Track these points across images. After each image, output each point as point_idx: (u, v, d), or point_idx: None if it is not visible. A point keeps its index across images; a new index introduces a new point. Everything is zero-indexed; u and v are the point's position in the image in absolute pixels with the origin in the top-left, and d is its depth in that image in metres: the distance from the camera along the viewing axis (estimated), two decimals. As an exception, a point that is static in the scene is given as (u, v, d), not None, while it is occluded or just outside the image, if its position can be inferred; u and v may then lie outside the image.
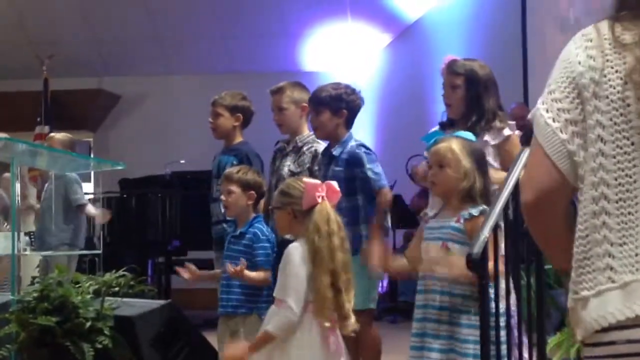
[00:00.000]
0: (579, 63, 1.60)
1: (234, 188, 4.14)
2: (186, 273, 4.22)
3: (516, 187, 3.24)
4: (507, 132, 4.05)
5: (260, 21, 10.75)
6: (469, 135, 3.58)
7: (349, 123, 4.61)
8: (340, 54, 11.24)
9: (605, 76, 1.57)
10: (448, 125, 4.12)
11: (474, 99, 4.07)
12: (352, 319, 3.40)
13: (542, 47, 8.50)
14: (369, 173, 4.41)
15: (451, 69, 4.14)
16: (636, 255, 1.50)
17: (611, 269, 1.50)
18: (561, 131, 1.60)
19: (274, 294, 3.42)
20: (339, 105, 4.53)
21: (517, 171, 3.28)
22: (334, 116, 4.53)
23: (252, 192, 4.16)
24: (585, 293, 1.53)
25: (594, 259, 1.53)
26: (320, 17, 10.79)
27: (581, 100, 1.59)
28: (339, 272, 3.36)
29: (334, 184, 3.54)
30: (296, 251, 3.37)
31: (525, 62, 8.76)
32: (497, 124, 4.06)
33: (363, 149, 4.49)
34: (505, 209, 3.15)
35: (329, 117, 4.53)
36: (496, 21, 9.25)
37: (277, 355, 3.34)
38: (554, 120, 1.61)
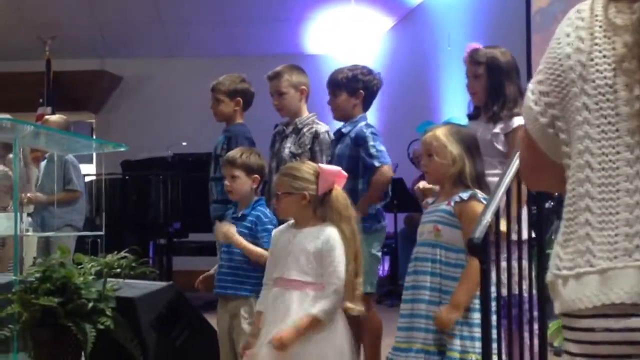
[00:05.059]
0: (568, 44, 1.61)
1: (238, 173, 4.14)
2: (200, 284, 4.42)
3: (518, 172, 3.25)
4: (516, 122, 3.89)
5: (263, 4, 10.70)
6: (460, 120, 3.64)
7: (366, 104, 4.63)
8: (343, 37, 11.21)
9: (592, 60, 1.57)
10: (474, 117, 4.09)
11: (496, 86, 3.99)
12: (361, 305, 3.43)
13: (547, 30, 8.47)
14: (372, 150, 4.43)
15: (473, 58, 4.08)
16: (615, 242, 1.51)
17: (591, 253, 1.52)
18: (542, 114, 1.64)
19: (310, 279, 3.37)
20: (355, 85, 4.57)
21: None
22: (351, 97, 4.57)
23: (257, 175, 4.18)
24: (565, 272, 1.55)
25: (575, 241, 1.55)
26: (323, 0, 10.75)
27: (565, 82, 1.61)
28: (358, 256, 3.41)
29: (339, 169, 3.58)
30: (337, 237, 3.38)
31: (529, 45, 8.73)
32: (505, 112, 3.95)
33: (370, 130, 4.51)
34: (507, 193, 3.15)
35: (346, 98, 4.57)
36: (500, 4, 9.22)
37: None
38: (536, 104, 1.65)
